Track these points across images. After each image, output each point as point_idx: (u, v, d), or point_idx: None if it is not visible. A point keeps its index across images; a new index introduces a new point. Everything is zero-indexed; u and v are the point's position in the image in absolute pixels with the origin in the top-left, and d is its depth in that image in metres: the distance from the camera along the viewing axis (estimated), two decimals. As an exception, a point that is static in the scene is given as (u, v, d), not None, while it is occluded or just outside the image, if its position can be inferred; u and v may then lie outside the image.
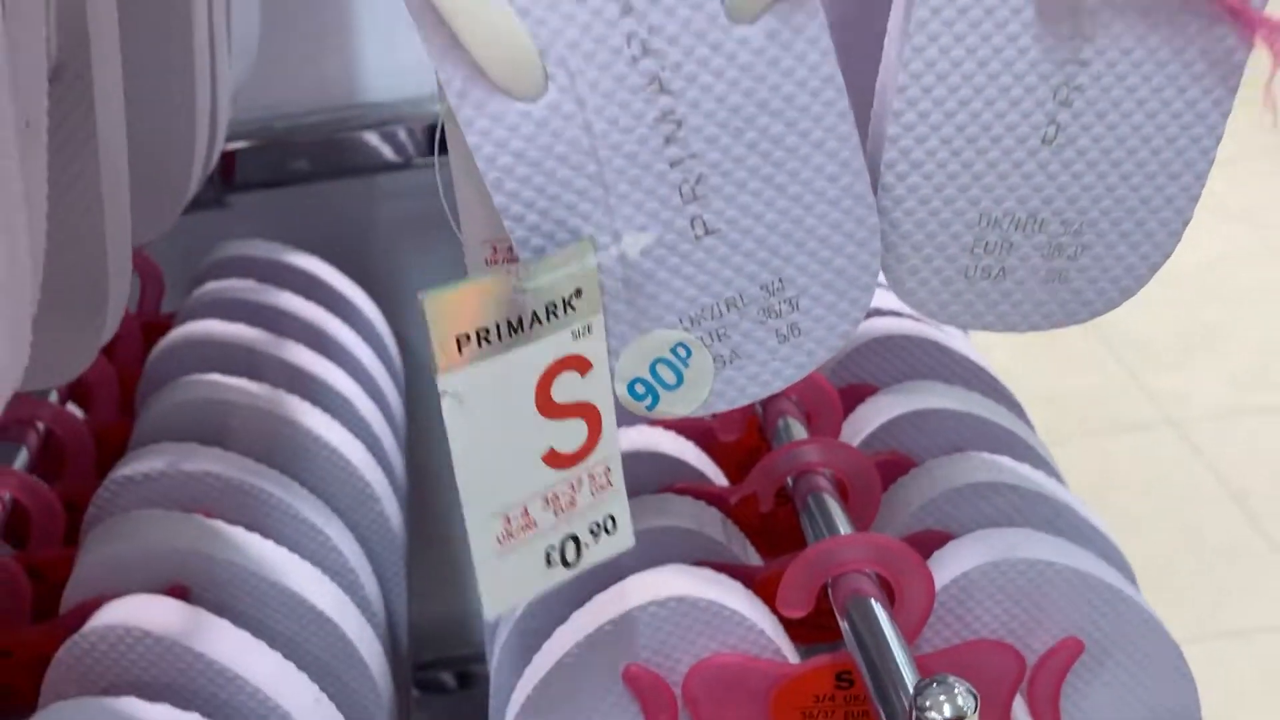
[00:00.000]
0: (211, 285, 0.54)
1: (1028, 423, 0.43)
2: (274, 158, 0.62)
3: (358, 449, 0.46)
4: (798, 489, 0.36)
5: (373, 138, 0.63)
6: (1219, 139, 0.26)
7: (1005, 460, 0.38)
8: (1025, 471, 0.38)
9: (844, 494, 0.36)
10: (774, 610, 0.33)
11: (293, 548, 0.39)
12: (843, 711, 0.33)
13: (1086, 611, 0.33)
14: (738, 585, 0.34)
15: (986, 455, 0.38)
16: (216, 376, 0.45)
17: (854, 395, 0.41)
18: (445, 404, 0.23)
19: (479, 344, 0.23)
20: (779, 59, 0.24)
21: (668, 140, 0.24)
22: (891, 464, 0.38)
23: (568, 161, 0.24)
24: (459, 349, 0.23)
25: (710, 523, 0.37)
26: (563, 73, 0.23)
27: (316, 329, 0.52)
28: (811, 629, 0.35)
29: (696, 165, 0.25)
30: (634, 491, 0.28)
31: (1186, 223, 0.27)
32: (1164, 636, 0.34)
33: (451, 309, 0.23)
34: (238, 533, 0.38)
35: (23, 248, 0.21)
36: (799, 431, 0.37)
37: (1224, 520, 1.65)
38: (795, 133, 0.25)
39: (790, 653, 0.33)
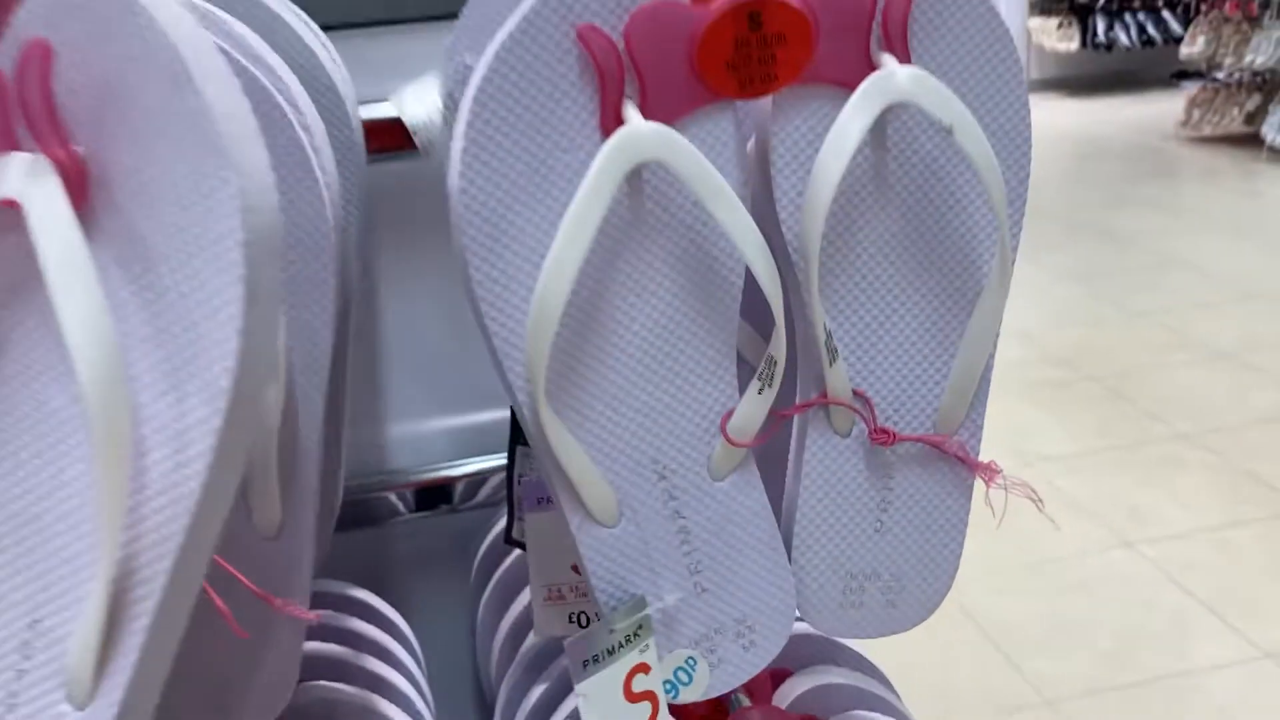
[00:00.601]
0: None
1: (895, 692, 0.64)
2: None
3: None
4: (749, 743, 0.55)
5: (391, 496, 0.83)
6: (966, 522, 0.49)
7: (879, 715, 0.59)
8: (869, 715, 0.58)
9: (778, 745, 0.56)
10: None
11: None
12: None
13: None
14: None
15: (869, 713, 0.59)
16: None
17: (778, 675, 0.62)
18: (580, 701, 0.43)
19: (594, 663, 0.43)
20: (737, 499, 0.46)
21: (683, 542, 0.46)
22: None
23: (633, 561, 0.45)
24: (584, 667, 0.43)
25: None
26: (630, 511, 0.45)
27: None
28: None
29: (698, 555, 0.46)
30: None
31: (956, 570, 0.50)
32: None
33: (584, 647, 0.43)
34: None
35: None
36: (746, 702, 0.57)
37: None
38: (749, 535, 0.46)
39: None
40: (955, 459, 0.48)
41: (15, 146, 0.31)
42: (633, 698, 0.45)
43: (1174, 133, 5.40)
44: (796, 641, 0.64)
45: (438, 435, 0.92)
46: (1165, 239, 4.25)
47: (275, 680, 0.46)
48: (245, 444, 0.32)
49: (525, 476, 0.64)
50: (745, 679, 0.47)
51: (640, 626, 0.45)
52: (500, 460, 0.91)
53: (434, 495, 0.92)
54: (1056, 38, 6.12)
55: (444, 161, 0.55)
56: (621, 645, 0.44)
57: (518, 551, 0.78)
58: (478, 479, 0.91)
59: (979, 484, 0.49)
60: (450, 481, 0.91)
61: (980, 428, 0.48)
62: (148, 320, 0.31)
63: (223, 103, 0.30)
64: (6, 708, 0.35)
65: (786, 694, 0.60)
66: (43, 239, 0.30)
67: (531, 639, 0.71)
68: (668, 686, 0.46)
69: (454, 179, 0.41)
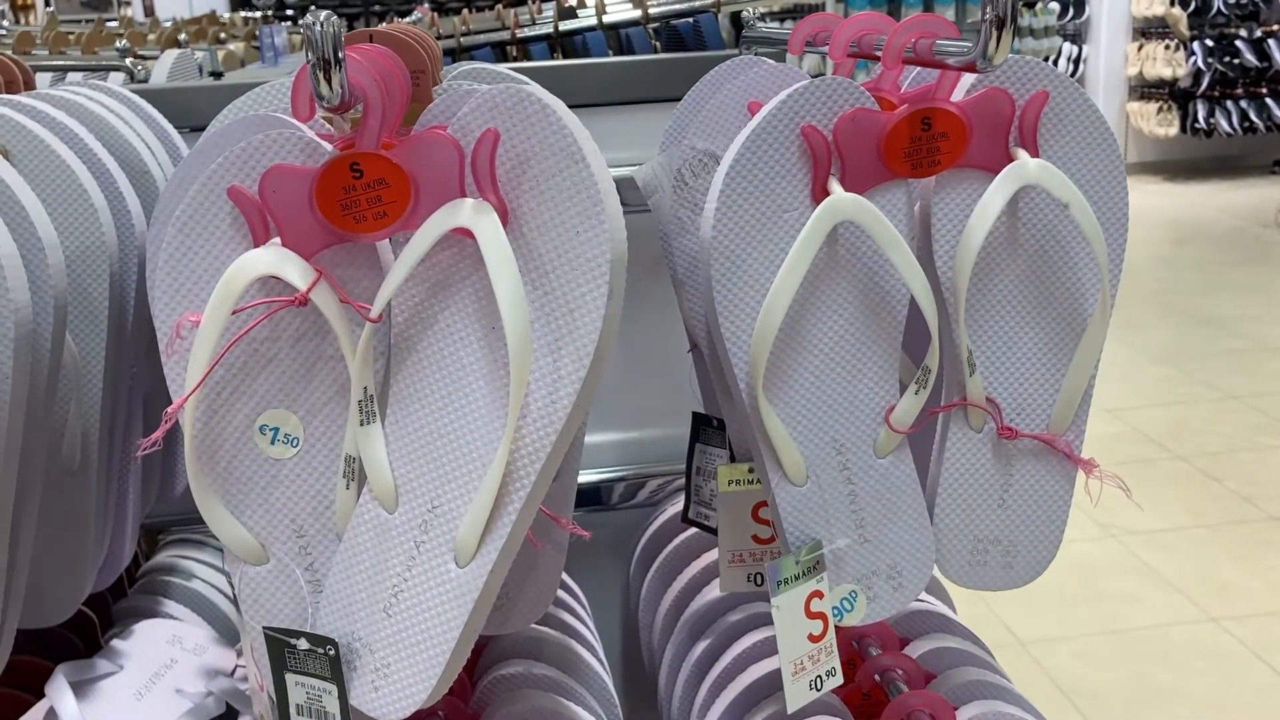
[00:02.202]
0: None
1: (989, 653, 0.78)
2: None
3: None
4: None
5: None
6: (1069, 504, 0.64)
7: (979, 669, 0.73)
8: (989, 674, 0.72)
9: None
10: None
11: None
12: None
13: None
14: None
15: (976, 669, 0.73)
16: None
17: (903, 640, 0.77)
18: (774, 611, 0.58)
19: (785, 585, 0.59)
20: (894, 472, 0.62)
21: (852, 501, 0.61)
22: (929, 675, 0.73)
23: (814, 513, 0.61)
24: (778, 587, 0.59)
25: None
26: (814, 475, 0.61)
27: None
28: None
29: (863, 513, 0.61)
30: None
31: (1059, 543, 0.64)
32: None
33: (778, 571, 0.59)
34: None
35: None
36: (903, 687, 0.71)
37: None
38: (902, 500, 0.62)
39: None
40: (1063, 454, 0.63)
41: (464, 194, 0.49)
42: (810, 615, 0.60)
43: (1274, 219, 5.42)
44: (919, 615, 0.78)
45: (604, 445, 1.09)
46: (1260, 324, 4.27)
47: (543, 588, 0.62)
48: (594, 393, 0.49)
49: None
50: (893, 613, 0.62)
51: (817, 562, 0.61)
52: (657, 468, 1.08)
53: (593, 496, 1.08)
54: (1155, 122, 6.19)
55: (661, 218, 0.72)
56: (803, 575, 0.60)
57: (678, 539, 0.94)
58: (637, 483, 1.08)
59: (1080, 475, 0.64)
60: (610, 484, 1.08)
61: (1083, 431, 0.63)
62: (539, 306, 0.49)
63: (600, 172, 0.48)
64: (407, 566, 0.52)
65: (910, 653, 0.75)
66: (488, 250, 0.47)
67: (693, 608, 0.86)
68: (835, 611, 0.62)
69: (707, 229, 0.58)
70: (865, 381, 0.60)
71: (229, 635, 0.86)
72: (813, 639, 0.60)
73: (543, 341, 0.48)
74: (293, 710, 0.54)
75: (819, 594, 0.60)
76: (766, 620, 0.79)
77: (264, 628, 0.53)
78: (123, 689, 0.73)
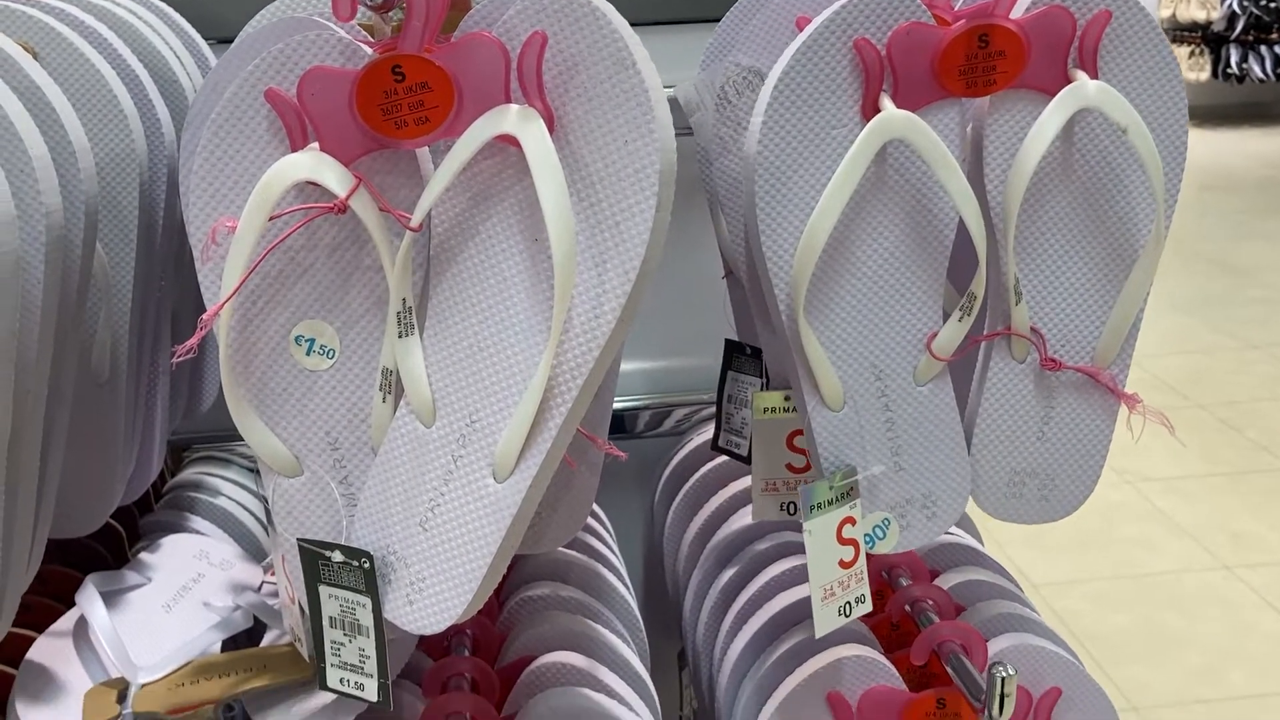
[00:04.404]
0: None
1: (1018, 587, 0.77)
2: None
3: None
4: (942, 649, 0.69)
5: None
6: (1109, 440, 0.63)
7: (1010, 603, 0.73)
8: (1020, 608, 0.72)
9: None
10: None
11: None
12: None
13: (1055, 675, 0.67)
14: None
15: (1004, 601, 0.73)
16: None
17: (933, 572, 0.76)
18: (806, 536, 0.58)
19: (818, 509, 0.58)
20: (933, 400, 0.61)
21: (889, 429, 0.60)
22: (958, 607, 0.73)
23: (850, 438, 0.60)
24: (810, 511, 0.58)
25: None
26: (851, 401, 0.60)
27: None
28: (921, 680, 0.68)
29: (899, 440, 0.61)
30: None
31: (1098, 479, 0.64)
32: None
33: (811, 495, 0.58)
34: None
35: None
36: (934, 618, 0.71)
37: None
38: (940, 429, 0.61)
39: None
40: (1106, 388, 0.62)
41: (509, 100, 0.47)
42: (842, 541, 0.60)
43: (1304, 169, 5.33)
44: (950, 548, 0.78)
45: (631, 373, 1.08)
46: (1285, 274, 4.22)
47: (577, 509, 0.62)
48: (638, 308, 0.48)
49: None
50: (926, 542, 0.62)
51: (851, 488, 0.60)
52: (684, 397, 1.07)
53: (618, 423, 1.07)
54: (1186, 67, 6.08)
55: (702, 137, 0.70)
56: (836, 500, 0.59)
57: (706, 467, 0.93)
58: (663, 412, 1.07)
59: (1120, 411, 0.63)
60: (636, 411, 1.07)
61: (1128, 366, 0.62)
62: (585, 218, 0.47)
63: (652, 80, 0.46)
64: (444, 480, 0.52)
65: (940, 585, 0.75)
66: (533, 159, 0.46)
67: (720, 535, 0.86)
68: (866, 538, 0.61)
69: (752, 144, 0.56)
70: (908, 306, 0.59)
71: (255, 552, 0.86)
72: (843, 565, 0.60)
73: (588, 254, 0.47)
74: (325, 623, 0.54)
75: (851, 520, 0.60)
76: (795, 549, 0.79)
77: (298, 540, 0.53)
78: (151, 601, 0.74)
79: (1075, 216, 0.60)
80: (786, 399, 0.69)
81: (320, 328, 0.53)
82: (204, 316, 0.50)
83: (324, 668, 0.55)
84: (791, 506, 0.70)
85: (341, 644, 0.54)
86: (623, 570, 0.87)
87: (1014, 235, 0.58)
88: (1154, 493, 2.94)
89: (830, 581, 0.59)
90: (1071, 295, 0.60)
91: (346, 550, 0.52)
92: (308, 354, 0.53)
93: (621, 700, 0.66)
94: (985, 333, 0.61)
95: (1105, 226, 0.60)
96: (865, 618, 0.72)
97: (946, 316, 0.60)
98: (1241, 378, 3.53)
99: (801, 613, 0.72)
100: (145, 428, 0.75)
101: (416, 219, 0.49)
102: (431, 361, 0.51)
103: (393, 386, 0.52)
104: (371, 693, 0.54)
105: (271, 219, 0.50)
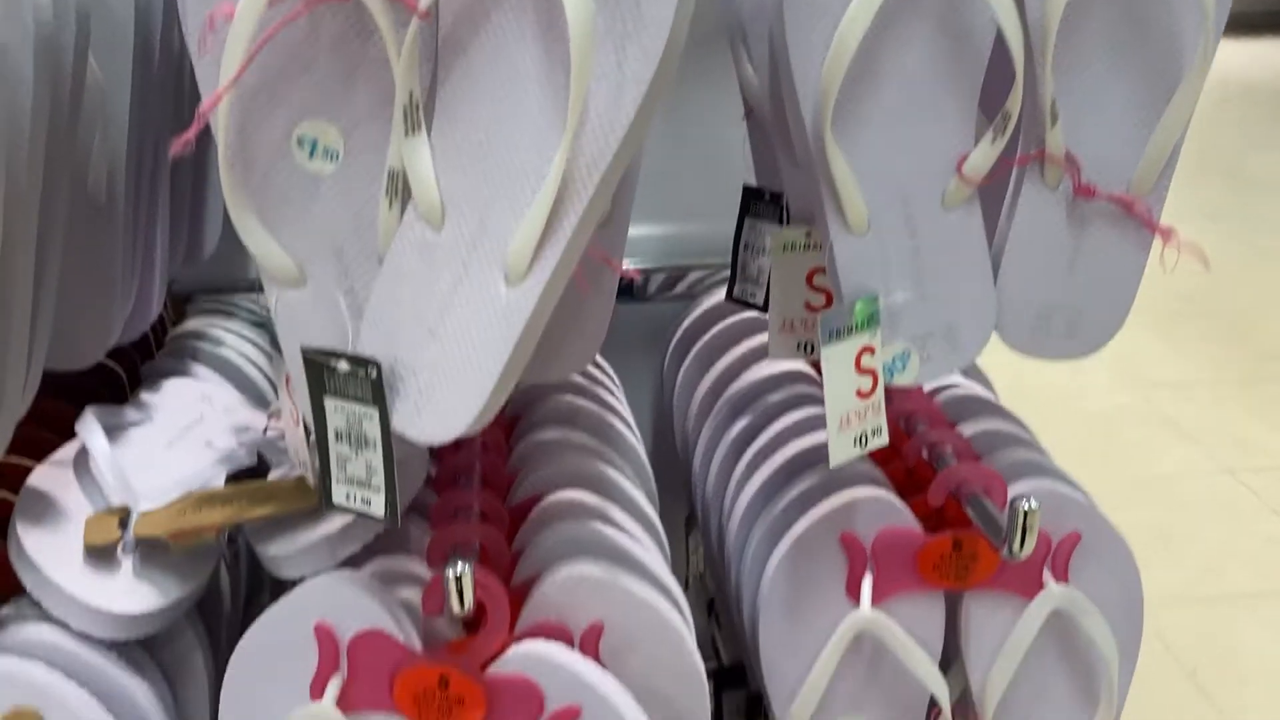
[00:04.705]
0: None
1: (1036, 439, 0.76)
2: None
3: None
4: (961, 492, 0.67)
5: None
6: (1141, 273, 0.61)
7: (1030, 450, 0.71)
8: (1040, 456, 0.71)
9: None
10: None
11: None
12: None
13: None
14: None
15: (1024, 449, 0.71)
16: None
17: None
18: (824, 363, 0.56)
19: (836, 337, 0.56)
20: (961, 226, 0.58)
21: (913, 256, 0.58)
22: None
23: (873, 264, 0.58)
24: (829, 338, 0.56)
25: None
26: (876, 225, 0.57)
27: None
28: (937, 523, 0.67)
29: (924, 268, 0.58)
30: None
31: (1127, 314, 0.61)
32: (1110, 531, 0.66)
33: (831, 320, 0.56)
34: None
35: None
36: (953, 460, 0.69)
37: (1176, 693, 1.96)
38: (966, 257, 0.58)
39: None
40: (1140, 219, 0.59)
41: None
42: (860, 370, 0.58)
43: (1327, 80, 5.22)
44: (968, 400, 0.76)
45: (642, 238, 1.06)
46: (1302, 185, 4.16)
47: (590, 336, 0.60)
48: (660, 98, 0.45)
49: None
50: (947, 373, 0.60)
51: (872, 315, 0.58)
52: (696, 260, 1.05)
53: (628, 288, 1.05)
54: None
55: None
56: (856, 328, 0.57)
57: (719, 325, 0.92)
58: (676, 275, 1.05)
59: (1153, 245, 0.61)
60: (646, 274, 1.05)
61: (1164, 198, 0.60)
62: (604, -1, 0.45)
63: None
64: (454, 287, 0.50)
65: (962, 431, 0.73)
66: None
67: (733, 388, 0.84)
68: (886, 369, 0.59)
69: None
70: (940, 124, 0.56)
71: (258, 404, 0.85)
72: (861, 395, 0.58)
73: (606, 37, 0.44)
74: (331, 436, 0.52)
75: (870, 349, 0.58)
76: (810, 400, 0.78)
77: (302, 349, 0.51)
78: (152, 438, 0.72)
79: (1117, 33, 0.56)
80: (808, 235, 0.67)
81: (324, 128, 0.51)
82: (202, 106, 0.48)
83: (329, 483, 0.53)
84: (809, 346, 0.68)
85: (348, 458, 0.52)
86: (632, 423, 0.86)
87: (1053, 51, 0.55)
88: (1161, 398, 2.93)
89: (847, 411, 0.58)
90: (1110, 118, 0.58)
91: (352, 359, 0.50)
92: (310, 157, 0.51)
93: (632, 537, 0.65)
94: (1019, 155, 0.58)
95: (1148, 46, 0.57)
96: (881, 465, 0.71)
97: (979, 141, 0.57)
98: (1253, 286, 3.49)
99: (816, 458, 0.71)
100: (145, 262, 0.73)
101: (423, 4, 0.46)
102: (440, 161, 0.49)
103: (399, 190, 0.50)
104: (379, 509, 0.52)
105: (271, 4, 0.47)
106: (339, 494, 0.53)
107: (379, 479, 0.52)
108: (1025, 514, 0.58)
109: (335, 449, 0.52)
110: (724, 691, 0.89)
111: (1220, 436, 2.76)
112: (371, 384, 0.50)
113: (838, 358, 0.57)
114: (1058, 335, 0.61)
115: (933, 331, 0.59)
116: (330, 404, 0.52)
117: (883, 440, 0.60)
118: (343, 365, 0.50)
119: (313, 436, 0.53)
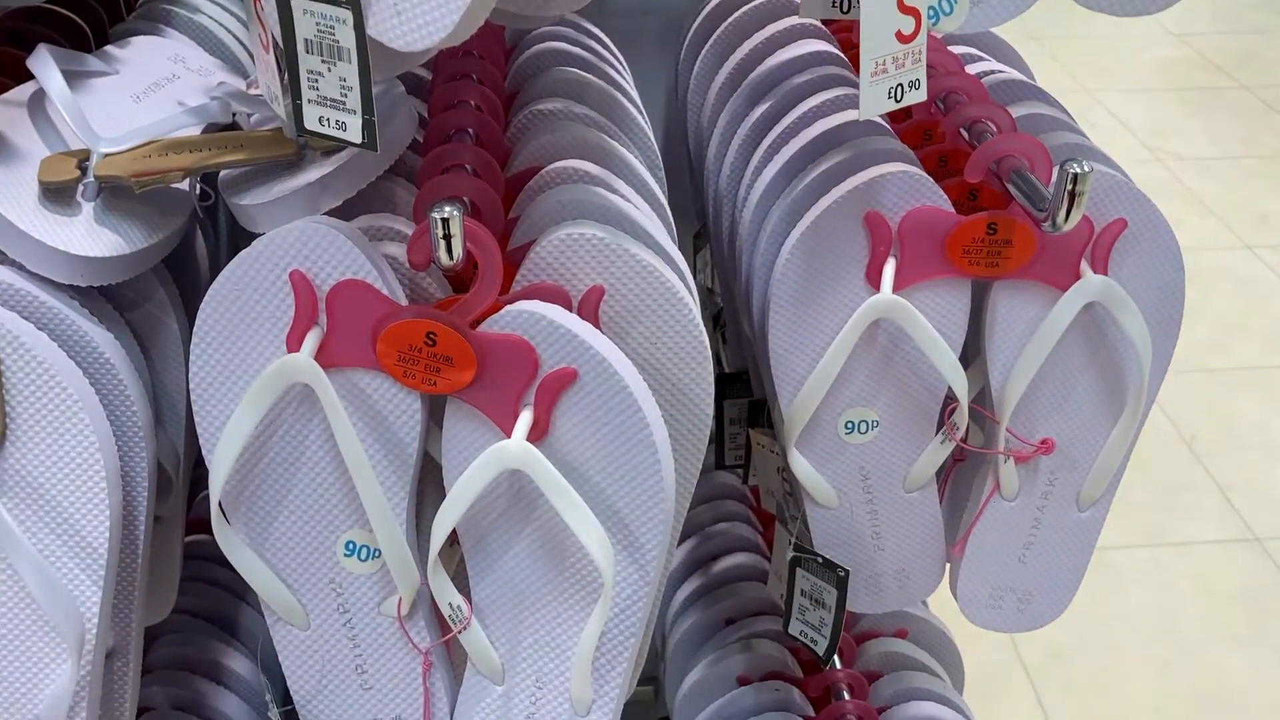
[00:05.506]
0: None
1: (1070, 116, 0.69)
2: None
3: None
4: (1003, 166, 0.61)
5: None
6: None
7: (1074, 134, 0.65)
8: (1075, 137, 0.65)
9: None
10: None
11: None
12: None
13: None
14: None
15: (1071, 134, 0.65)
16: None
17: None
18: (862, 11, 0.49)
19: None
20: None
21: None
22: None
23: None
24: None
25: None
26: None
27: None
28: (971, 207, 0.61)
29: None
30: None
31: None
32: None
33: None
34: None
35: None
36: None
37: (1173, 459, 1.97)
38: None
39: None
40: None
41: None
42: (903, 9, 0.51)
43: None
44: (1008, 84, 0.69)
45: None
46: (1355, -46, 3.91)
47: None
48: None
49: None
50: (1003, 21, 0.53)
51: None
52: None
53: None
54: None
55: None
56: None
57: (741, 9, 0.83)
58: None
59: None
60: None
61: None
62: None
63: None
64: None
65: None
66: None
67: (756, 73, 0.77)
68: (931, 11, 0.52)
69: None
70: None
71: (236, 73, 0.78)
72: (901, 38, 0.51)
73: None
74: (300, 48, 0.46)
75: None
76: (840, 81, 0.70)
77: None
78: (118, 91, 0.66)
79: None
80: None
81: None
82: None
83: (300, 106, 0.47)
84: (845, 2, 0.61)
85: (319, 74, 0.46)
86: (643, 111, 0.79)
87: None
88: (1185, 171, 2.84)
89: (883, 56, 0.51)
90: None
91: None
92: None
93: (638, 209, 0.60)
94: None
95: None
96: (913, 148, 0.64)
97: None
98: (1288, 66, 3.34)
99: (844, 135, 0.64)
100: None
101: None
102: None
103: None
104: (355, 132, 0.47)
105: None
106: (310, 116, 0.47)
107: (354, 98, 0.46)
108: (1075, 176, 0.52)
109: (305, 63, 0.46)
110: (725, 400, 0.87)
111: (1241, 212, 2.69)
112: (345, -15, 0.43)
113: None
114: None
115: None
116: (298, 7, 0.45)
117: (921, 95, 0.53)
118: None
119: (283, 54, 0.47)
